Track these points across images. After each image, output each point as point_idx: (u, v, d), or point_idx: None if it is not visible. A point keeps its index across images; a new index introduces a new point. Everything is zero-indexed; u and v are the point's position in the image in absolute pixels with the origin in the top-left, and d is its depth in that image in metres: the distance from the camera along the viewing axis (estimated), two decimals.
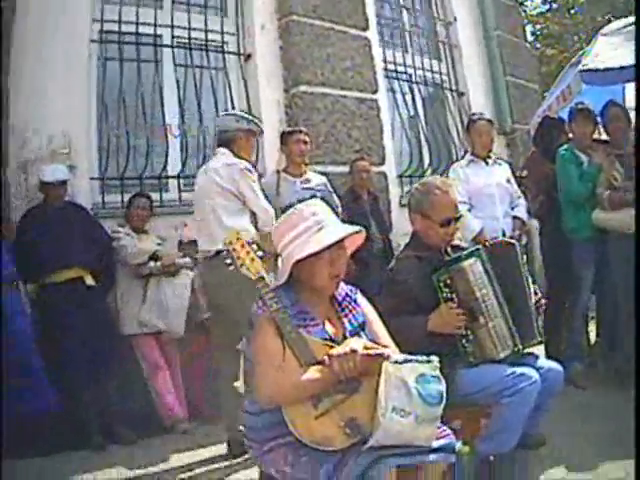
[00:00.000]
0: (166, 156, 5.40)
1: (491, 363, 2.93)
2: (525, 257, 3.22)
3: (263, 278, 2.29)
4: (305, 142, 5.00)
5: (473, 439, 3.03)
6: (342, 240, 2.34)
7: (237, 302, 3.55)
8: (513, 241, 3.23)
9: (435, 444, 2.19)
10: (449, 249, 3.18)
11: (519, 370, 2.87)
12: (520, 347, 2.97)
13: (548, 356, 3.31)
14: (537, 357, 3.11)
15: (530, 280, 3.13)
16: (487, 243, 3.20)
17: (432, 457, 2.17)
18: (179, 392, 4.71)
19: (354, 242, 2.47)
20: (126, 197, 5.00)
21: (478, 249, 2.98)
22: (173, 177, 5.46)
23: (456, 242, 3.28)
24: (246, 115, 4.35)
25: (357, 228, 2.40)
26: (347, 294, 2.51)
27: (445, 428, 2.31)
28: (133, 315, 4.59)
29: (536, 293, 3.16)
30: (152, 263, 4.63)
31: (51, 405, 4.00)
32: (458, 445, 2.69)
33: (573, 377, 4.54)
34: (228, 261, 2.33)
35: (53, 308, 4.29)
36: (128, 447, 4.20)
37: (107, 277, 4.60)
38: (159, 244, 4.85)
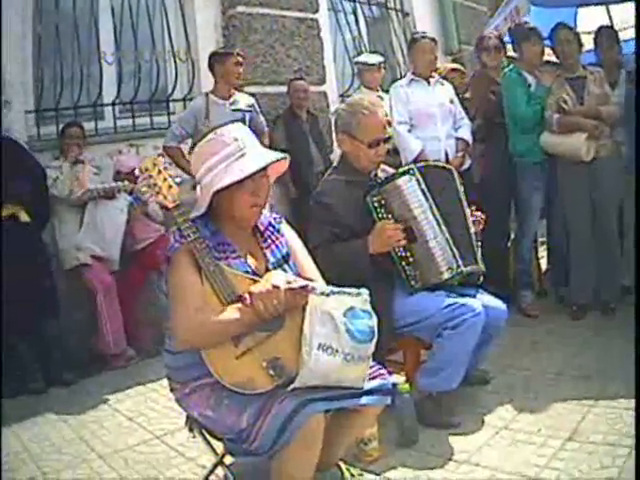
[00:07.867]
0: (100, 84, 5.25)
1: (432, 292, 2.83)
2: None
3: (180, 206, 2.10)
4: (239, 63, 4.79)
5: (415, 373, 2.94)
6: (265, 168, 2.16)
7: None
8: (450, 166, 3.15)
9: (368, 385, 2.07)
10: (379, 173, 3.08)
11: (461, 301, 2.77)
12: (463, 269, 2.85)
13: (492, 291, 3.13)
14: (478, 291, 3.00)
15: (467, 207, 3.06)
16: (423, 164, 3.08)
17: (364, 400, 2.05)
18: (119, 325, 4.60)
19: (277, 169, 2.31)
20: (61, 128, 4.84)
21: (412, 168, 2.89)
22: (108, 105, 5.32)
23: (386, 167, 3.16)
24: None
25: (281, 155, 2.23)
26: (270, 223, 2.34)
27: (379, 367, 2.19)
28: (71, 246, 4.49)
29: (474, 222, 3.08)
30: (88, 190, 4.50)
31: None
32: (398, 381, 2.64)
33: (523, 307, 4.55)
34: (144, 189, 2.14)
35: None
36: (68, 388, 4.15)
37: (42, 212, 4.42)
38: (95, 174, 4.73)
